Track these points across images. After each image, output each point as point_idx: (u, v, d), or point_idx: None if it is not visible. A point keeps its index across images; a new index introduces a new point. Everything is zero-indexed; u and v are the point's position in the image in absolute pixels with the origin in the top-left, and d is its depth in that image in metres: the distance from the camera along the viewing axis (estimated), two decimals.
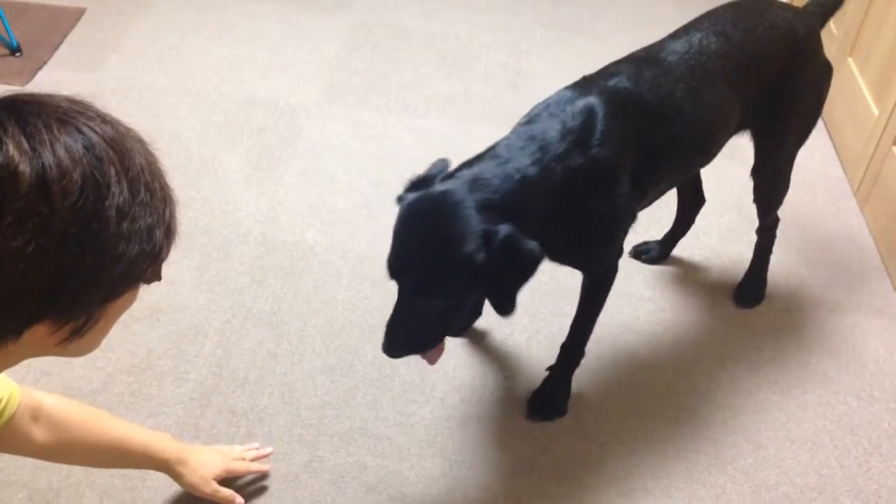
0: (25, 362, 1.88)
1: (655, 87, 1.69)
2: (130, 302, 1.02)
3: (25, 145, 0.83)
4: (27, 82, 2.79)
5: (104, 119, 0.92)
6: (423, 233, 1.47)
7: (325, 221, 2.40)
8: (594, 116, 1.57)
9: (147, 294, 2.15)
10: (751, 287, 2.30)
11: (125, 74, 2.91)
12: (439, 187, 1.48)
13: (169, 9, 3.30)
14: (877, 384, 2.09)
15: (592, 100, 1.59)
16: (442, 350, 1.64)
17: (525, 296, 1.72)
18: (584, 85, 1.66)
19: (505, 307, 1.51)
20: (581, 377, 2.04)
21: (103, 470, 1.73)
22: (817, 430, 1.97)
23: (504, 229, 1.41)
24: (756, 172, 2.11)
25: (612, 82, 1.65)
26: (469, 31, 3.35)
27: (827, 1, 2.04)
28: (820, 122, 2.94)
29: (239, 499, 1.66)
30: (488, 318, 2.08)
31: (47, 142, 0.84)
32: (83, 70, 2.91)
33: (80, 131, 0.87)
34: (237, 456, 1.72)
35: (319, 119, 2.83)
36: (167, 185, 0.98)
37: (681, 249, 2.42)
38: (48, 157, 0.83)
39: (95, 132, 0.88)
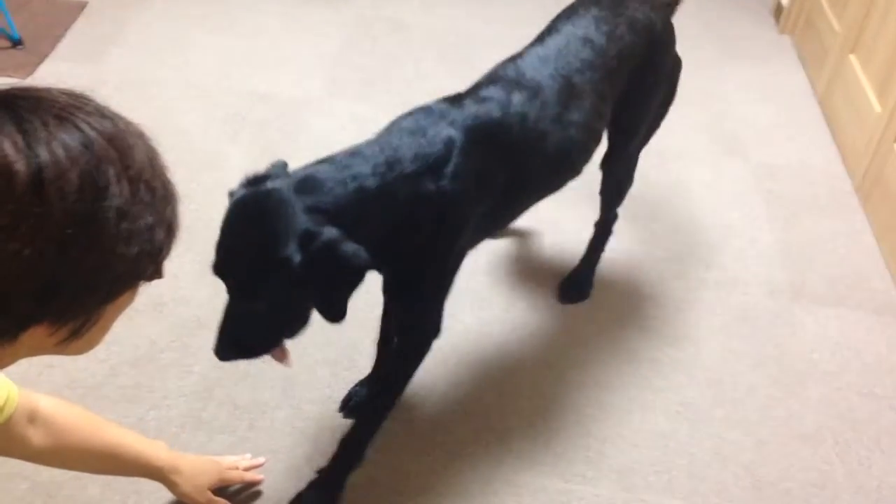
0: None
1: (523, 117, 1.61)
2: (130, 300, 0.98)
3: (21, 143, 0.79)
4: (28, 75, 2.78)
5: (103, 114, 0.88)
6: (245, 231, 1.40)
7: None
8: (452, 147, 1.49)
9: (150, 287, 2.14)
10: (577, 283, 2.24)
11: (127, 67, 2.91)
12: (268, 185, 1.40)
13: (170, 2, 3.30)
14: (878, 381, 2.09)
15: (453, 132, 1.50)
16: (285, 351, 1.51)
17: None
18: (455, 105, 1.57)
19: (330, 313, 1.43)
20: (583, 371, 2.05)
21: None
22: (819, 427, 1.97)
23: (327, 232, 1.34)
24: (606, 164, 2.04)
25: (481, 110, 1.56)
26: (470, 26, 3.35)
27: None
28: (821, 119, 2.97)
29: None
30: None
31: (44, 140, 0.80)
32: (85, 63, 2.91)
33: (78, 128, 0.83)
34: (230, 465, 1.70)
35: (321, 113, 2.83)
36: (169, 182, 0.94)
37: (682, 243, 2.43)
38: (45, 157, 0.79)
39: (94, 129, 0.84)
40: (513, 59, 1.74)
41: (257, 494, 1.73)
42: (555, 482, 1.81)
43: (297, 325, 1.46)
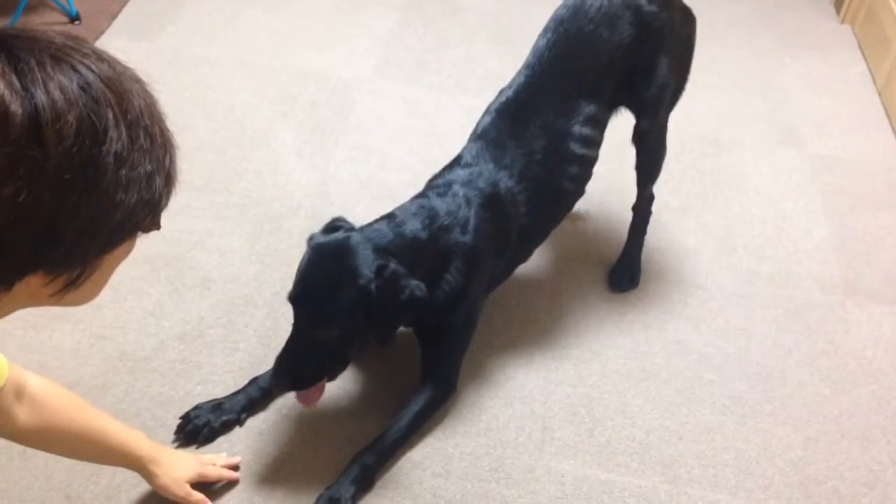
0: (80, 326, 1.92)
1: (531, 179, 1.85)
2: (128, 252, 0.95)
3: (17, 84, 0.76)
4: None
5: (100, 56, 0.84)
6: (325, 267, 1.64)
7: (375, 197, 2.40)
8: (469, 209, 1.79)
9: (199, 264, 2.19)
10: (625, 270, 2.22)
11: (181, 45, 2.93)
12: (343, 234, 1.67)
13: None
14: None
15: (473, 196, 1.80)
16: (321, 392, 1.73)
17: None
18: (474, 171, 1.83)
19: (385, 337, 1.70)
20: (629, 360, 2.03)
21: (153, 434, 1.75)
22: (869, 426, 1.93)
23: (395, 265, 1.61)
24: (636, 138, 2.04)
25: (497, 178, 1.83)
26: (523, 10, 3.31)
27: None
28: (881, 112, 2.89)
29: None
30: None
31: (40, 80, 0.77)
32: (140, 40, 2.94)
33: (75, 70, 0.80)
34: (208, 461, 1.68)
35: (372, 94, 2.82)
36: (167, 130, 0.91)
37: (734, 234, 2.39)
38: (41, 98, 0.76)
39: (92, 71, 0.81)
40: (511, 106, 1.90)
41: (312, 456, 1.74)
42: (597, 472, 1.79)
43: (352, 354, 1.70)
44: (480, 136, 1.90)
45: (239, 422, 1.80)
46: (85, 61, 0.81)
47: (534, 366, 2.00)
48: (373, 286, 1.58)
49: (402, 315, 1.68)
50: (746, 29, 3.37)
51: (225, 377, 1.89)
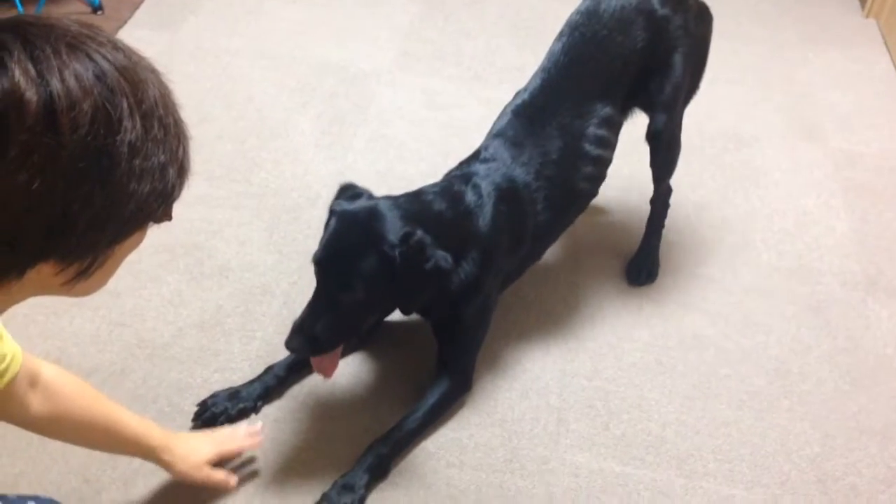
0: (100, 313, 1.93)
1: (547, 178, 1.86)
2: (139, 242, 0.96)
3: (32, 71, 0.76)
4: None
5: (115, 46, 0.84)
6: (352, 232, 1.63)
7: (393, 188, 2.36)
8: (489, 201, 1.79)
9: (217, 252, 2.20)
10: (643, 263, 2.21)
11: (202, 36, 2.95)
12: (371, 201, 1.68)
13: None
14: None
15: (492, 189, 1.80)
16: (336, 363, 1.71)
17: None
18: (492, 166, 1.84)
19: (408, 307, 1.75)
20: (646, 353, 2.02)
21: (170, 420, 1.77)
22: (889, 423, 1.91)
23: (420, 233, 1.60)
24: (650, 136, 2.02)
25: (514, 174, 1.84)
26: (544, 3, 3.30)
27: None
28: None
29: (233, 479, 1.62)
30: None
31: (56, 68, 0.77)
32: (162, 30, 2.95)
33: (90, 58, 0.80)
34: (227, 437, 1.66)
35: (391, 86, 2.82)
36: (181, 121, 0.91)
37: (754, 229, 2.37)
38: (56, 85, 0.76)
39: (107, 59, 0.81)
40: (528, 110, 1.92)
41: (325, 444, 1.75)
42: (612, 465, 1.79)
43: (371, 322, 1.72)
44: (498, 134, 1.91)
45: (255, 409, 1.81)
46: (101, 50, 0.82)
47: (550, 358, 2.00)
48: (397, 252, 1.58)
49: (427, 284, 1.65)
50: (770, 23, 3.34)
51: (242, 365, 1.90)
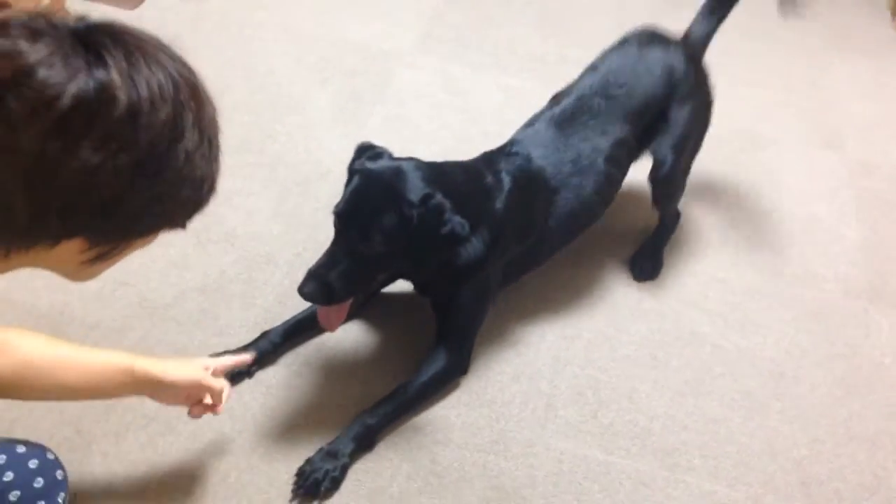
0: (105, 273, 1.96)
1: (564, 181, 1.94)
2: (150, 242, 1.05)
3: (126, 74, 0.86)
4: (137, 6, 2.87)
5: (188, 67, 0.96)
6: (375, 186, 1.68)
7: None
8: (508, 186, 1.86)
9: (225, 219, 2.23)
10: (647, 259, 2.23)
11: (227, 8, 2.97)
12: (395, 162, 1.74)
13: None
14: None
15: (513, 177, 1.87)
16: (343, 317, 1.77)
17: None
18: (516, 158, 1.93)
19: (419, 267, 1.77)
20: (640, 347, 2.02)
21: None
22: (879, 431, 1.91)
23: (440, 197, 1.65)
24: (653, 179, 2.11)
25: (536, 169, 1.92)
26: None
27: (700, 37, 2.19)
28: None
29: (227, 390, 1.56)
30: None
31: (144, 76, 0.88)
32: (188, 0, 2.98)
33: (169, 73, 0.91)
34: (206, 365, 1.56)
35: (411, 68, 2.84)
36: (220, 144, 1.02)
37: (762, 231, 2.36)
38: (143, 90, 0.87)
39: (182, 77, 0.93)
40: (552, 112, 2.04)
41: (318, 420, 1.77)
42: (596, 453, 1.80)
43: (382, 278, 1.77)
44: (527, 133, 2.01)
45: (249, 374, 1.84)
46: (177, 67, 0.93)
47: (545, 344, 2.01)
48: (416, 212, 1.64)
49: (440, 247, 1.70)
50: (797, 27, 3.29)
51: (240, 331, 1.93)
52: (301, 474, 1.66)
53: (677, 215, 2.30)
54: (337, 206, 1.69)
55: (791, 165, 2.64)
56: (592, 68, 2.10)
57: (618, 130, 1.99)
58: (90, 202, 0.89)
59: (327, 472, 1.65)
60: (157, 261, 2.06)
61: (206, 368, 1.55)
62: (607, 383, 1.94)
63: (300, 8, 3.03)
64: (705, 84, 2.15)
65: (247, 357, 1.72)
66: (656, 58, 2.06)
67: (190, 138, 0.93)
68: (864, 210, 2.50)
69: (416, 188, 1.66)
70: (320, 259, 1.69)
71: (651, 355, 2.01)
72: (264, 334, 1.88)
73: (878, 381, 2.01)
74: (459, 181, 1.78)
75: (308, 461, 1.68)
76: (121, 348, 1.84)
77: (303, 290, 1.65)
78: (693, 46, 2.16)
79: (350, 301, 1.75)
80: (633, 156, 2.09)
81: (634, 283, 2.18)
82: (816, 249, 2.35)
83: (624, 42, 2.14)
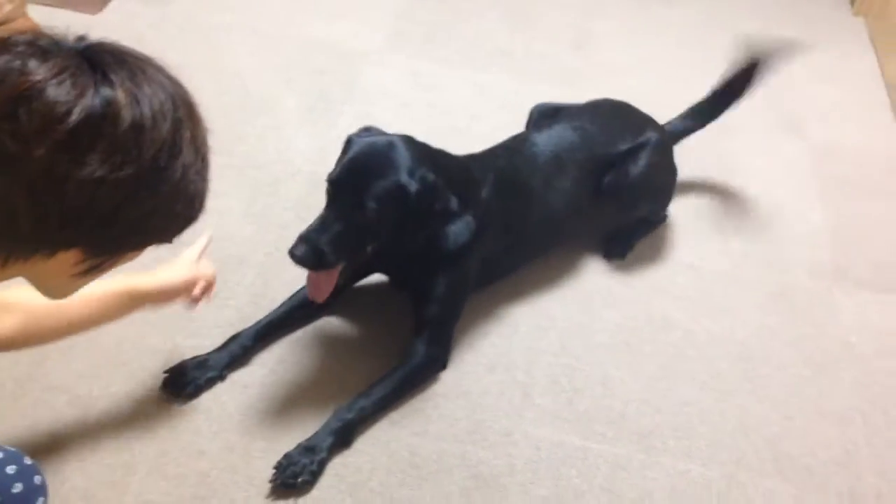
0: None
1: (520, 171, 2.02)
2: (135, 258, 1.09)
3: (130, 93, 0.91)
4: (98, 11, 2.86)
5: (183, 87, 1.00)
6: (373, 157, 1.73)
7: None
8: (496, 179, 1.95)
9: (197, 222, 2.22)
10: (620, 238, 2.28)
11: (192, 10, 2.96)
12: (389, 136, 1.79)
13: None
14: None
15: (489, 173, 1.95)
16: (331, 287, 1.78)
17: None
18: (510, 158, 2.04)
19: (410, 242, 1.80)
20: (614, 334, 2.05)
21: (140, 383, 1.81)
22: (849, 408, 1.95)
23: (437, 179, 1.73)
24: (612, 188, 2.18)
25: (521, 168, 2.02)
26: None
27: (680, 129, 2.37)
28: (887, 104, 2.88)
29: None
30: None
31: (146, 94, 0.92)
32: (153, 4, 2.97)
33: (169, 92, 0.96)
34: (192, 258, 1.68)
35: (379, 66, 2.85)
36: (210, 164, 1.07)
37: (728, 217, 2.41)
38: (146, 108, 0.92)
39: (179, 96, 0.97)
40: (513, 137, 2.17)
41: (297, 433, 1.78)
42: (573, 439, 1.82)
43: (373, 243, 1.74)
44: (511, 142, 2.13)
45: (221, 378, 1.84)
46: (174, 87, 0.97)
47: (518, 335, 2.03)
48: (413, 187, 1.69)
49: (432, 223, 1.77)
50: (760, 19, 3.36)
51: (213, 332, 1.93)
52: (278, 468, 1.67)
53: (664, 218, 2.36)
54: (331, 173, 1.72)
55: (755, 151, 2.68)
56: (581, 111, 2.25)
57: (600, 159, 2.12)
58: (92, 213, 0.92)
59: (305, 466, 1.67)
60: (132, 264, 2.05)
61: (195, 261, 1.65)
62: (582, 370, 1.97)
63: (267, 9, 3.03)
64: (670, 166, 2.28)
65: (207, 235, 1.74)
66: (636, 118, 2.25)
67: (187, 154, 0.97)
68: (827, 192, 2.55)
69: (414, 163, 1.72)
70: (311, 224, 1.71)
71: (624, 342, 2.04)
72: (234, 337, 1.88)
73: (845, 360, 2.05)
74: (449, 165, 1.84)
75: (286, 456, 1.69)
76: (96, 351, 1.86)
77: (294, 253, 1.67)
78: (671, 134, 2.34)
79: (338, 271, 1.76)
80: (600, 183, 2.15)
81: (606, 272, 2.21)
82: (781, 233, 2.39)
83: (612, 102, 2.31)
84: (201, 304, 1.72)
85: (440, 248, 1.84)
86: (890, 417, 1.93)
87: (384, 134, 1.83)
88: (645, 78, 2.90)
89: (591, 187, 2.12)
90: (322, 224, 1.70)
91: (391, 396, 1.83)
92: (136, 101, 0.91)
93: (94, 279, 1.07)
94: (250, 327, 1.89)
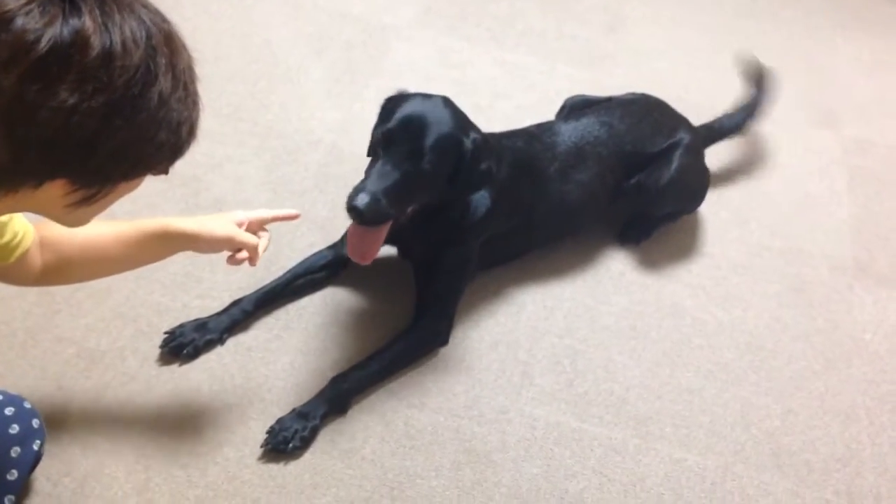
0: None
1: (537, 158, 2.01)
2: (136, 187, 1.11)
3: (99, 21, 0.92)
4: None
5: (162, 17, 1.01)
6: (433, 111, 1.72)
7: None
8: (506, 157, 1.93)
9: (214, 185, 2.25)
10: (639, 225, 2.24)
11: None
12: (436, 95, 1.79)
13: None
14: None
15: (507, 152, 1.94)
16: (377, 249, 1.77)
17: None
18: (531, 144, 2.03)
19: (457, 192, 1.79)
20: (621, 318, 2.04)
21: (146, 339, 1.84)
22: (854, 405, 1.91)
23: (481, 136, 1.78)
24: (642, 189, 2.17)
25: (517, 145, 2.00)
26: None
27: (714, 130, 2.35)
28: None
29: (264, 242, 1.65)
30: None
31: (117, 23, 0.93)
32: None
33: (142, 19, 0.96)
34: (239, 220, 1.63)
35: (409, 41, 2.84)
36: (198, 91, 1.07)
37: (751, 207, 2.36)
38: (116, 37, 0.92)
39: (154, 24, 0.98)
40: (538, 124, 2.14)
41: (275, 400, 1.81)
42: (570, 420, 1.82)
43: (423, 199, 1.76)
44: (536, 127, 2.11)
45: (220, 341, 1.87)
46: (151, 16, 0.98)
47: (524, 314, 2.03)
48: (468, 143, 1.72)
49: (472, 182, 1.78)
50: (802, 6, 3.29)
51: (222, 294, 1.96)
52: (271, 432, 1.69)
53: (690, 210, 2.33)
54: (389, 125, 1.70)
55: (785, 143, 2.62)
56: (623, 99, 2.23)
57: (626, 153, 2.10)
58: (68, 141, 0.93)
59: (296, 431, 1.69)
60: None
61: (240, 224, 1.60)
62: (585, 353, 1.96)
63: None
64: (704, 169, 2.25)
65: (291, 212, 1.72)
66: (668, 117, 2.21)
67: (164, 82, 0.97)
68: (855, 188, 2.49)
69: (463, 120, 1.77)
70: (364, 178, 1.70)
71: (630, 326, 2.03)
72: (236, 302, 1.91)
73: (856, 357, 2.01)
74: (482, 139, 1.81)
75: (279, 421, 1.71)
76: (105, 308, 1.90)
77: (355, 205, 1.63)
78: (704, 136, 2.30)
79: (386, 229, 1.75)
80: (628, 180, 2.14)
81: (617, 256, 2.19)
82: (804, 226, 2.34)
83: (646, 99, 2.26)
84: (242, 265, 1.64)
85: (455, 220, 1.84)
86: None
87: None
88: (676, 63, 2.86)
89: (612, 184, 2.10)
90: (379, 175, 1.67)
91: (388, 368, 1.84)
92: (105, 28, 0.92)
93: (93, 211, 1.10)
94: (252, 293, 1.92)
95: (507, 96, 2.66)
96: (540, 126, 2.12)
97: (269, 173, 2.29)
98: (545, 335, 1.98)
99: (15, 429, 1.46)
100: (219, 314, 1.88)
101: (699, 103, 2.41)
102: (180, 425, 1.73)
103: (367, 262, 1.78)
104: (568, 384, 1.89)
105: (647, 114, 2.19)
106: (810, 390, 1.93)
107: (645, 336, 2.01)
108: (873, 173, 2.55)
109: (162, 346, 1.83)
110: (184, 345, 1.82)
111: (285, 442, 1.68)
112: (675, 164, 2.10)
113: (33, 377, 1.75)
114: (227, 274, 2.01)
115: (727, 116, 2.38)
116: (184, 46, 1.04)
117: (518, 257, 2.11)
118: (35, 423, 1.50)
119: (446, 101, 1.77)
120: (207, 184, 2.22)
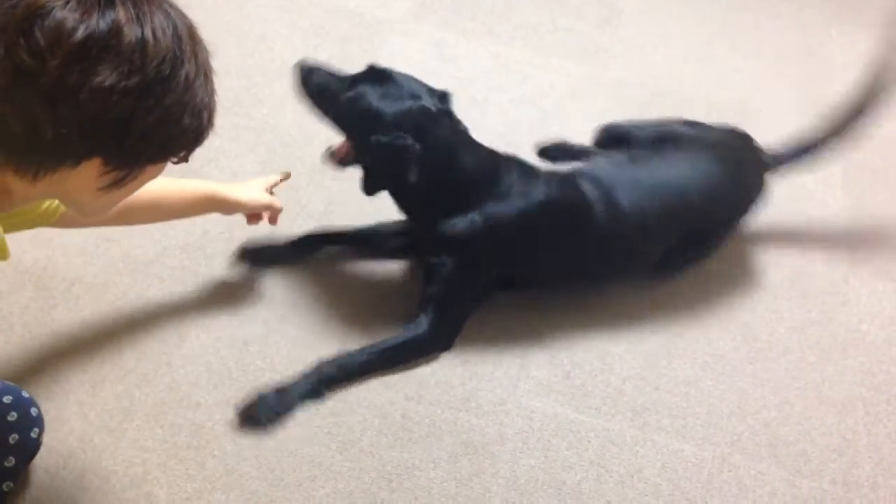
0: (90, 227, 1.99)
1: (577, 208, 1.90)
2: (157, 174, 1.19)
3: (132, 13, 1.01)
4: None
5: (184, 14, 1.11)
6: (400, 77, 1.90)
7: None
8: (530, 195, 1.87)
9: (209, 179, 2.24)
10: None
11: None
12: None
13: None
14: None
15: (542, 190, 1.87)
16: (347, 152, 1.92)
17: None
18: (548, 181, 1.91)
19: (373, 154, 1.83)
20: (617, 312, 2.04)
21: (143, 333, 1.84)
22: (851, 396, 1.92)
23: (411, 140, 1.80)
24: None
25: (595, 170, 1.98)
26: None
27: (783, 159, 2.24)
28: None
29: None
30: None
31: (147, 15, 1.03)
32: None
33: (169, 14, 1.06)
34: (267, 186, 1.90)
35: (404, 35, 2.84)
36: (214, 81, 1.16)
37: None
38: (147, 27, 1.02)
39: (179, 19, 1.08)
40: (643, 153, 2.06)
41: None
42: (567, 412, 1.82)
43: (332, 114, 1.91)
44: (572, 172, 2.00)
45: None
46: (173, 11, 1.08)
47: (520, 308, 2.03)
48: (434, 109, 1.85)
49: (385, 151, 1.79)
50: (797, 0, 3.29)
51: (220, 289, 1.96)
52: (247, 403, 1.73)
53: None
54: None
55: (778, 135, 2.62)
56: (691, 150, 2.09)
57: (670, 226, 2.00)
58: (106, 120, 1.01)
59: (271, 406, 1.73)
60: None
61: (268, 189, 1.89)
62: (581, 345, 1.96)
63: None
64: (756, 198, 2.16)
65: (287, 172, 1.99)
66: (753, 167, 2.14)
67: (189, 67, 1.06)
68: (851, 180, 2.49)
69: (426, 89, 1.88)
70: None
71: (626, 318, 2.03)
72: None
73: (852, 347, 2.02)
74: (472, 157, 1.84)
75: (259, 394, 1.75)
76: (102, 303, 1.90)
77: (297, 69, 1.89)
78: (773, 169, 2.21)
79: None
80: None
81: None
82: (799, 218, 2.35)
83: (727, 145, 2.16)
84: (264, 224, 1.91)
85: (444, 228, 1.83)
86: (893, 407, 1.90)
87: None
88: (671, 56, 2.86)
89: (667, 244, 2.03)
90: (335, 76, 1.89)
91: (377, 362, 1.83)
92: (137, 20, 1.01)
93: (119, 196, 1.18)
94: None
95: (501, 89, 2.66)
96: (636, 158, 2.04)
97: (265, 167, 2.29)
98: (542, 329, 1.98)
99: (13, 416, 1.47)
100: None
101: (694, 96, 2.41)
102: (178, 419, 1.73)
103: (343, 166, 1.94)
104: (565, 376, 1.89)
105: (726, 169, 2.06)
106: (806, 381, 1.93)
107: (641, 328, 2.01)
108: (869, 165, 2.55)
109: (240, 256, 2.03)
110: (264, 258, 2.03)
111: (260, 413, 1.72)
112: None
113: (29, 369, 1.76)
114: (223, 269, 2.01)
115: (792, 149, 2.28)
116: (203, 41, 1.13)
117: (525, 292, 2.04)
118: (33, 411, 1.51)
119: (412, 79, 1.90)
120: (203, 177, 2.17)
